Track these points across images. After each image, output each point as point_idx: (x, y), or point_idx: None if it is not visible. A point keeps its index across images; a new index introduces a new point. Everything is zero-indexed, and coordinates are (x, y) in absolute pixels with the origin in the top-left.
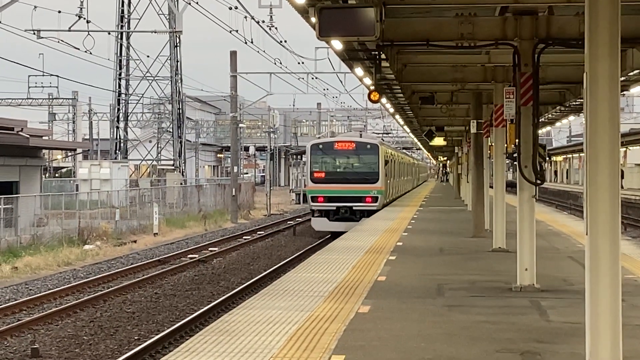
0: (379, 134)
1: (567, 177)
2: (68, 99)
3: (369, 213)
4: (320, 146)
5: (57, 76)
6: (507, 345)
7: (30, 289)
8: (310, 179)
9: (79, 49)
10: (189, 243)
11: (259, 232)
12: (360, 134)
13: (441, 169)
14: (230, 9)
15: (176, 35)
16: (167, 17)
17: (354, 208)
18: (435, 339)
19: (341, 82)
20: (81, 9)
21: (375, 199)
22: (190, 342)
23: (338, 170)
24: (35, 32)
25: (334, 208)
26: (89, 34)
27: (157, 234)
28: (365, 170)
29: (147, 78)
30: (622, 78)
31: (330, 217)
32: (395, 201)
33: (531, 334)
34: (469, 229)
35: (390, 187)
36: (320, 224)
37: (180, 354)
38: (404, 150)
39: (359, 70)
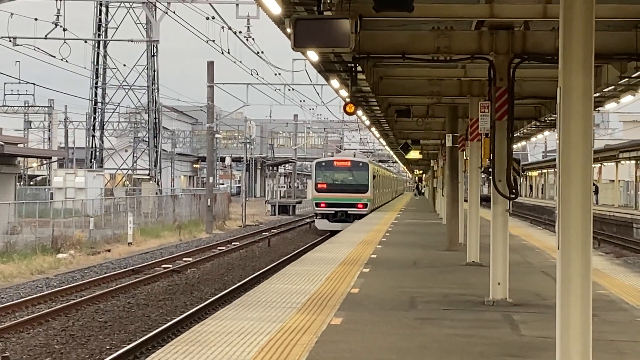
0: (364, 152)
1: (542, 192)
2: (44, 107)
3: (360, 216)
4: (323, 163)
5: (33, 84)
6: (479, 358)
7: (2, 297)
8: (314, 189)
9: (55, 57)
10: (163, 253)
11: (233, 243)
12: (354, 154)
13: (416, 182)
14: (208, 19)
15: (153, 45)
16: (145, 26)
17: (349, 212)
18: (407, 351)
19: (318, 94)
20: (58, 16)
21: (365, 205)
22: (161, 352)
23: (337, 182)
24: (11, 39)
25: (333, 212)
26: (65, 42)
27: (131, 243)
28: (358, 183)
29: (124, 87)
30: (597, 94)
31: (330, 219)
32: (374, 212)
33: (503, 347)
34: (443, 242)
35: (376, 197)
36: (322, 225)
37: None
38: (380, 163)
39: (335, 82)
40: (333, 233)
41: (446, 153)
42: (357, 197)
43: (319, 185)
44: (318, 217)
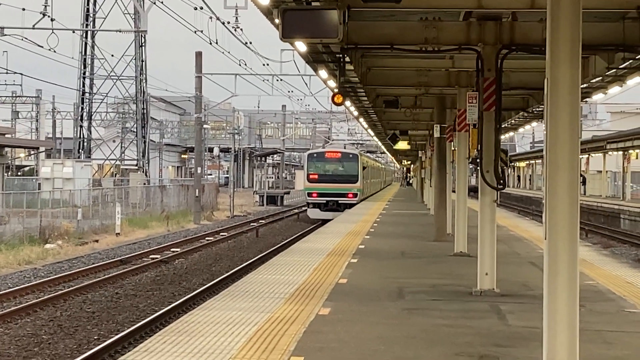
0: (353, 143)
1: (530, 183)
2: (32, 97)
3: (350, 206)
4: (315, 155)
5: (21, 74)
6: (466, 348)
7: None
8: (307, 179)
9: (43, 47)
10: (151, 243)
11: (221, 233)
12: (345, 146)
13: (404, 172)
14: (196, 9)
15: (141, 35)
16: (133, 17)
17: (340, 202)
18: (395, 341)
19: (306, 84)
20: (46, 6)
21: (355, 195)
22: (149, 342)
23: (328, 173)
24: None
25: (325, 201)
26: (53, 32)
27: (119, 234)
28: (348, 174)
29: (112, 77)
30: (584, 85)
31: (321, 208)
32: (364, 202)
33: (490, 337)
34: (431, 232)
35: (365, 187)
36: (314, 214)
37: (138, 354)
38: (369, 154)
39: (323, 73)
40: (324, 222)
41: (434, 144)
42: (347, 187)
43: (311, 176)
44: (310, 207)
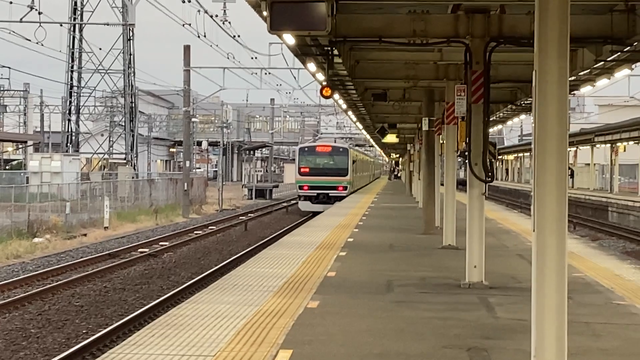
0: (342, 137)
1: (518, 176)
2: (19, 90)
3: (340, 198)
4: (306, 149)
5: (9, 68)
6: (455, 341)
7: None
8: (298, 172)
9: (30, 41)
10: (140, 237)
11: (210, 227)
12: (335, 140)
13: (392, 165)
14: (184, 2)
15: (129, 28)
16: (120, 10)
17: (330, 194)
18: (384, 334)
19: (295, 78)
20: (33, 0)
21: (345, 188)
22: (138, 335)
23: (319, 166)
24: None
25: (315, 194)
26: (40, 25)
27: (107, 227)
28: (338, 167)
29: (100, 71)
30: (573, 77)
31: (312, 201)
32: (353, 195)
33: (478, 330)
34: (420, 225)
35: (355, 180)
36: (305, 206)
37: (126, 347)
38: (358, 147)
39: (312, 66)
40: (315, 214)
41: (423, 137)
42: (337, 180)
43: (302, 170)
44: (301, 199)
